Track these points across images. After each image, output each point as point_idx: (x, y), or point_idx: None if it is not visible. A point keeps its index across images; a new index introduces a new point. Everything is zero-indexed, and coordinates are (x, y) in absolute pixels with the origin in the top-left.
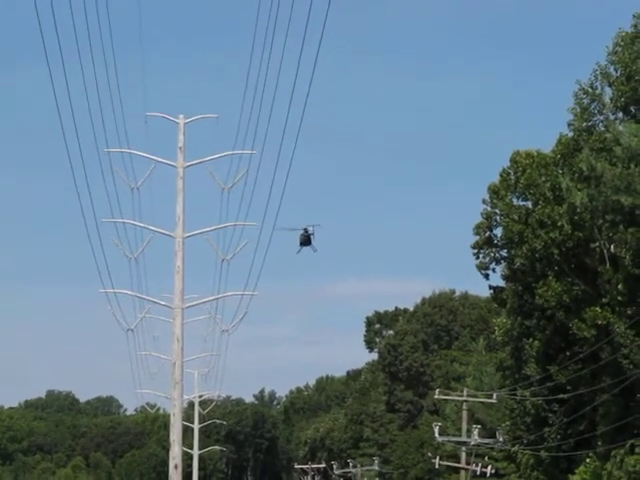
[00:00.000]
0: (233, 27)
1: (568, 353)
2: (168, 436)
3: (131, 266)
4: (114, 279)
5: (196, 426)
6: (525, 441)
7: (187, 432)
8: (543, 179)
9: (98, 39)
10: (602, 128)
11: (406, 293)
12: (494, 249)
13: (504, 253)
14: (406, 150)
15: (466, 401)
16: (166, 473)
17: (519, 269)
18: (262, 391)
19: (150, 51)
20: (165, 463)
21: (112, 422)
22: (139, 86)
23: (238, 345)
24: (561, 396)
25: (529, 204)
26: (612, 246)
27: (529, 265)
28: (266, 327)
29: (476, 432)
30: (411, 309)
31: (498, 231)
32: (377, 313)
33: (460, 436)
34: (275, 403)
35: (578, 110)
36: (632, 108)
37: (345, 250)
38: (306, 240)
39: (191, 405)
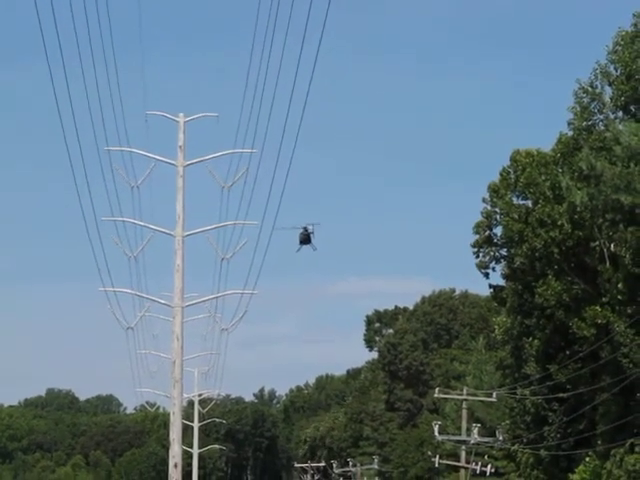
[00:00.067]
0: (233, 26)
1: (568, 352)
2: (168, 435)
3: (131, 265)
4: (114, 278)
5: (196, 425)
6: (525, 440)
7: (187, 431)
8: (543, 178)
9: (98, 38)
10: (602, 127)
11: (406, 292)
12: (494, 248)
13: (504, 252)
14: (406, 149)
15: (466, 400)
16: (166, 472)
17: (519, 268)
18: (262, 390)
19: (150, 50)
20: (165, 462)
21: (112, 421)
22: (139, 85)
23: (238, 344)
24: (561, 395)
25: (529, 203)
26: (612, 245)
27: (529, 264)
28: (266, 326)
29: (476, 431)
30: (411, 308)
31: (498, 230)
32: (377, 312)
33: (460, 435)
34: (275, 402)
35: (578, 109)
36: (632, 107)
37: (345, 249)
38: (306, 239)
39: (191, 404)
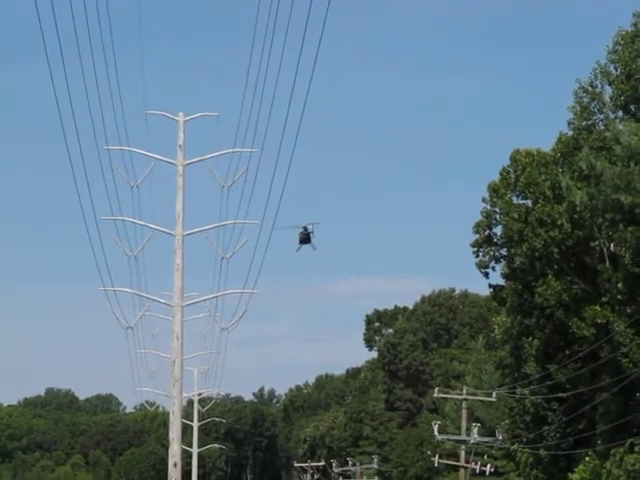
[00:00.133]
0: (233, 25)
1: (567, 352)
2: (167, 434)
3: (131, 264)
4: (114, 277)
5: (195, 424)
6: (524, 439)
7: (186, 430)
8: (543, 178)
9: (98, 37)
10: (602, 127)
11: (406, 291)
12: (494, 247)
13: (504, 252)
14: (406, 148)
15: (465, 399)
16: (165, 471)
17: (519, 268)
18: (262, 389)
19: (150, 49)
20: (164, 461)
21: (111, 420)
22: (139, 84)
23: (238, 343)
24: (560, 395)
25: (529, 203)
26: (612, 245)
27: (529, 264)
28: (266, 325)
29: (475, 430)
30: (411, 307)
31: (498, 229)
32: (377, 311)
33: (459, 434)
34: (274, 401)
35: (578, 109)
36: (632, 107)
37: (345, 248)
38: (306, 238)
39: (190, 403)
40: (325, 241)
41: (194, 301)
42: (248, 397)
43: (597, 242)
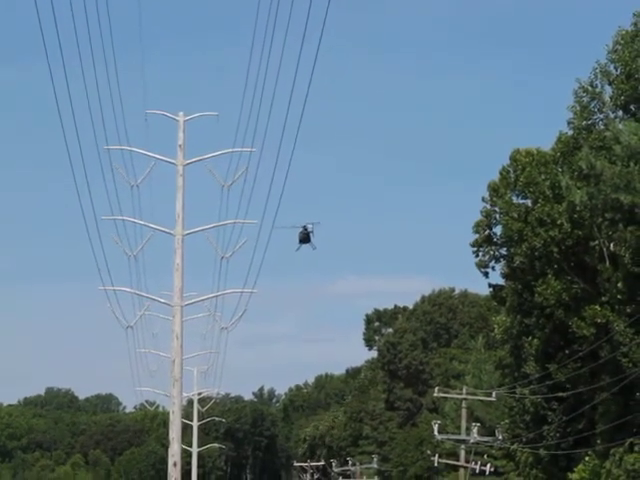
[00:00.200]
0: (233, 25)
1: (567, 351)
2: (167, 434)
3: (130, 264)
4: (113, 277)
5: (195, 424)
6: (524, 439)
7: (186, 430)
8: (543, 177)
9: (98, 37)
10: (602, 126)
11: (405, 291)
12: (493, 247)
13: (503, 251)
14: (406, 148)
15: (465, 399)
16: (165, 471)
17: (518, 267)
18: (261, 389)
19: (150, 49)
20: (164, 461)
21: (111, 420)
22: (139, 84)
23: (237, 343)
24: (560, 394)
25: (529, 202)
26: (611, 244)
27: (528, 263)
28: (265, 325)
29: (475, 430)
30: (410, 307)
31: (498, 229)
32: (376, 311)
33: (459, 434)
34: (274, 401)
35: (578, 108)
36: (632, 106)
37: (345, 248)
38: (305, 238)
39: (190, 403)
40: (325, 241)
41: (194, 301)
42: (248, 397)
43: (597, 242)
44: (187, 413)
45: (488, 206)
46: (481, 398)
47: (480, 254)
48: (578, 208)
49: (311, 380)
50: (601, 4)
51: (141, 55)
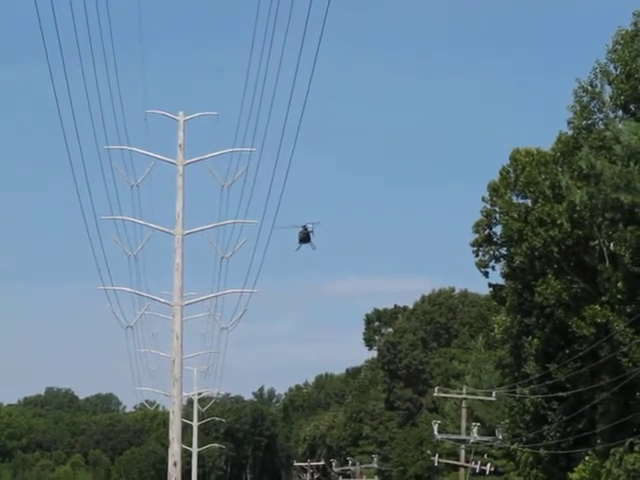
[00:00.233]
0: (233, 25)
1: (567, 351)
2: (167, 433)
3: (130, 263)
4: (113, 276)
5: (195, 423)
6: (524, 439)
7: (186, 429)
8: (543, 177)
9: (98, 37)
10: (602, 126)
11: (405, 291)
12: (493, 247)
13: (503, 251)
14: (406, 148)
15: (465, 399)
16: (165, 470)
17: (518, 267)
18: (261, 389)
19: (150, 49)
20: (164, 460)
21: (111, 419)
22: (139, 83)
23: (237, 343)
24: (560, 394)
25: (529, 202)
26: (611, 244)
27: (528, 263)
28: (265, 325)
29: (475, 430)
30: (410, 307)
31: (498, 229)
32: (376, 311)
33: (459, 434)
34: (274, 401)
35: (578, 108)
36: (632, 106)
37: (344, 248)
38: (305, 238)
39: (190, 402)
40: (325, 241)
41: (194, 300)
42: (248, 397)
43: (597, 241)
44: (187, 413)
45: (488, 206)
46: (481, 398)
47: (480, 254)
48: (578, 208)
49: (311, 380)
50: (601, 4)
51: (141, 55)
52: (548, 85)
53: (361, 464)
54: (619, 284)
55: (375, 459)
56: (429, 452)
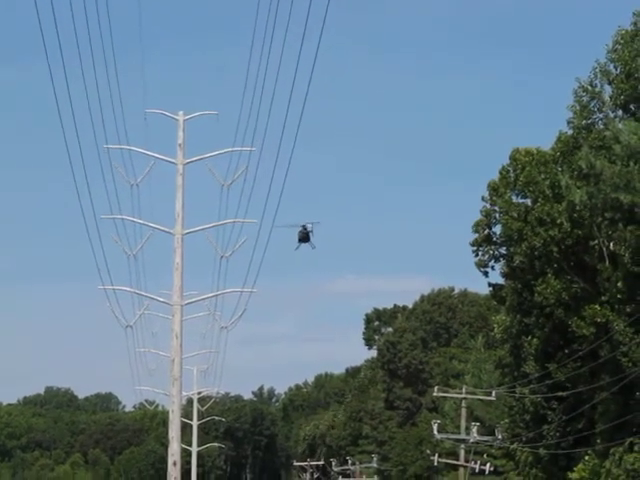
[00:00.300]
0: (233, 24)
1: (567, 351)
2: (167, 433)
3: (130, 263)
4: (113, 276)
5: (195, 423)
6: (524, 439)
7: (186, 429)
8: (542, 177)
9: (98, 37)
10: (602, 126)
11: (405, 290)
12: (493, 247)
13: (503, 251)
14: (406, 148)
15: (465, 398)
16: (165, 470)
17: (518, 267)
18: (261, 388)
19: (150, 48)
20: (164, 460)
21: (111, 419)
22: (139, 83)
23: (237, 342)
24: (560, 394)
25: (528, 202)
26: (611, 244)
27: (528, 263)
28: (265, 324)
29: (475, 429)
30: (410, 306)
31: (497, 229)
32: (376, 310)
33: (459, 433)
34: (274, 400)
35: (578, 108)
36: (632, 106)
37: (344, 247)
38: (305, 237)
39: (190, 402)
40: (324, 240)
41: (193, 300)
42: (247, 396)
43: (596, 241)
44: (187, 412)
45: (488, 205)
46: (481, 397)
47: (480, 253)
48: (578, 207)
49: (311, 379)
50: (601, 4)
51: (141, 55)
52: (548, 85)
53: (361, 464)
54: (619, 284)
55: (375, 459)
56: (429, 452)
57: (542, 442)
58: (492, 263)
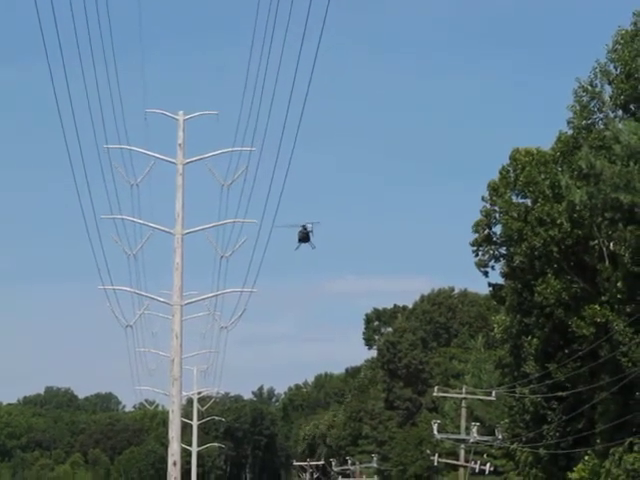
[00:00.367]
0: (233, 24)
1: (567, 351)
2: (167, 433)
3: (130, 263)
4: (113, 276)
5: (195, 423)
6: (524, 439)
7: (186, 429)
8: (542, 177)
9: (98, 37)
10: (602, 126)
11: (405, 290)
12: (493, 247)
13: (503, 251)
14: (406, 148)
15: (465, 398)
16: (165, 470)
17: (518, 267)
18: (261, 388)
19: (150, 48)
20: (164, 460)
21: (111, 419)
22: (139, 83)
23: (237, 342)
24: (560, 394)
25: (528, 202)
26: (611, 244)
27: (528, 263)
28: (265, 324)
29: (475, 429)
30: (410, 306)
31: (497, 229)
32: (376, 310)
33: (459, 433)
34: (274, 400)
35: (578, 108)
36: (632, 106)
37: (344, 247)
38: (305, 237)
39: (190, 402)
40: (325, 240)
41: (193, 300)
42: (247, 396)
43: (596, 241)
44: (187, 412)
45: (488, 205)
46: (481, 397)
47: (480, 253)
48: (578, 207)
49: (311, 379)
50: (601, 4)
51: (141, 54)
52: (548, 85)
53: (361, 463)
54: (619, 284)
55: (375, 458)
56: (428, 452)
57: (542, 442)
58: (492, 263)
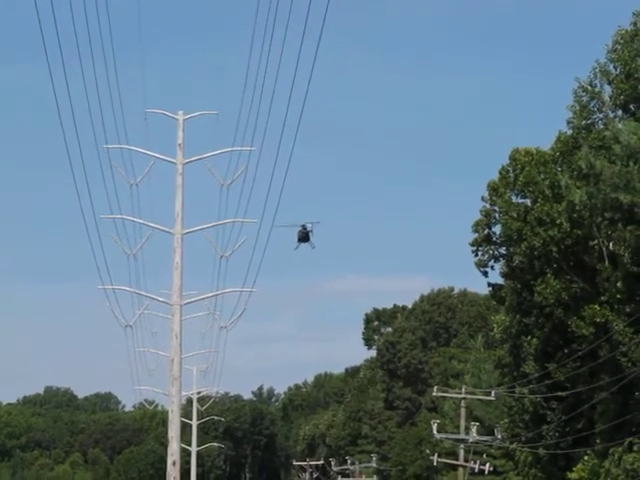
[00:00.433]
0: (233, 23)
1: (567, 351)
2: (166, 433)
3: (130, 262)
4: (113, 276)
5: (194, 423)
6: (523, 439)
7: (185, 429)
8: (542, 177)
9: (98, 36)
10: (601, 126)
11: (405, 290)
12: (493, 246)
13: (503, 250)
14: (406, 148)
15: (464, 398)
16: (164, 470)
17: (518, 267)
18: (260, 388)
19: (149, 48)
20: (163, 460)
21: (110, 418)
22: (138, 83)
23: (237, 342)
24: (559, 394)
25: (528, 202)
26: (611, 244)
27: (528, 263)
28: (265, 324)
29: (474, 429)
30: (410, 306)
31: (497, 229)
32: (376, 310)
33: (458, 433)
34: (273, 400)
35: (577, 108)
36: (631, 106)
37: (344, 247)
38: (304, 237)
39: (189, 401)
40: (324, 240)
41: (193, 300)
42: (247, 396)
43: (596, 241)
44: (186, 412)
45: (487, 205)
46: (480, 397)
47: (479, 253)
48: (577, 207)
49: (310, 379)
50: (601, 4)
51: (141, 54)
52: (548, 85)
53: (360, 463)
54: (618, 284)
55: (374, 458)
56: (428, 451)
57: (541, 442)
58: (492, 263)
